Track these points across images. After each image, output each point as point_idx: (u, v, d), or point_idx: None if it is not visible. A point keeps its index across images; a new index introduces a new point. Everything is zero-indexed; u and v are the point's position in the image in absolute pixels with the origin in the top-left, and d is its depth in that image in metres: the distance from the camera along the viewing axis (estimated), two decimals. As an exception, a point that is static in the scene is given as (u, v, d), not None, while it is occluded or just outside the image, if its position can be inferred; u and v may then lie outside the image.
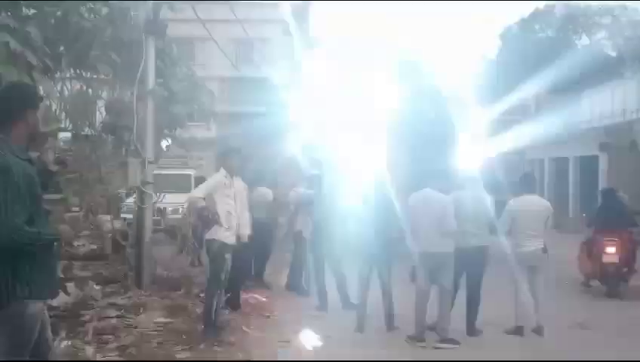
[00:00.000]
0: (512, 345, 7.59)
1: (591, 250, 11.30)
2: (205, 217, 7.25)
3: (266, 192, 10.99)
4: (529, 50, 40.86)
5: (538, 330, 7.91)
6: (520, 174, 10.27)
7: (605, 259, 10.78)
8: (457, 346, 7.37)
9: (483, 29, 67.12)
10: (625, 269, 11.10)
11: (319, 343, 7.52)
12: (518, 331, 7.90)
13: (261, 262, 11.03)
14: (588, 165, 24.14)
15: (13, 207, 3.37)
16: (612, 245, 10.83)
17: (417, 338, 7.49)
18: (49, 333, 3.96)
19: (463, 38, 60.71)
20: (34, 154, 3.92)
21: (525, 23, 43.71)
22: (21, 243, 3.44)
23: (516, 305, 8.05)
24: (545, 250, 8.20)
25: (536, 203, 8.40)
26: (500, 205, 8.42)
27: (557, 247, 10.40)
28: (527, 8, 45.55)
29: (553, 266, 8.56)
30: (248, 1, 20.90)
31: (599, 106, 22.17)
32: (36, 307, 3.58)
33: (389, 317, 8.04)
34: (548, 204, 8.65)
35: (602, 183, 22.36)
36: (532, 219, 8.14)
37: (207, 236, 7.30)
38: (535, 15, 43.72)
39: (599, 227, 11.46)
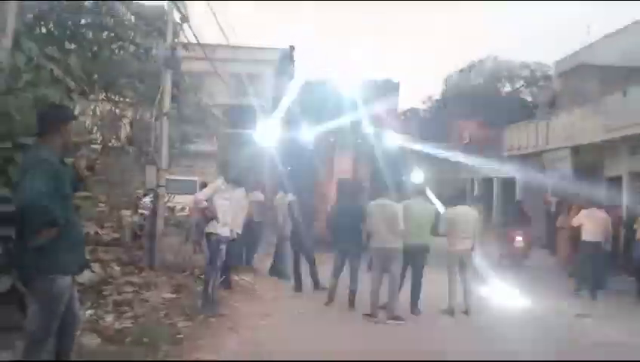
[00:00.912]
0: (445, 322, 7.67)
1: (505, 240, 14.11)
2: (206, 215, 7.23)
3: (258, 196, 10.96)
4: (465, 93, 41.42)
5: (466, 311, 8.00)
6: (455, 190, 10.36)
7: (515, 244, 13.86)
8: (403, 322, 7.39)
9: (430, 75, 67.83)
10: (526, 251, 14.13)
11: (295, 317, 7.52)
12: (450, 311, 7.97)
13: (252, 252, 10.98)
14: (508, 184, 24.51)
15: (45, 184, 3.36)
16: (519, 236, 13.89)
17: (371, 315, 7.51)
18: (77, 304, 3.89)
19: (416, 82, 61.39)
20: (69, 160, 3.87)
21: (463, 73, 44.36)
22: (59, 217, 3.39)
23: (449, 291, 8.10)
24: (472, 249, 8.29)
25: (466, 212, 8.45)
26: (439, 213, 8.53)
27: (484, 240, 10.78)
28: (464, 60, 46.07)
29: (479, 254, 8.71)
30: (246, 46, 20.89)
31: (517, 139, 22.54)
32: (64, 282, 3.53)
33: (351, 299, 8.03)
34: (476, 213, 8.69)
35: (518, 197, 22.70)
36: (463, 224, 8.19)
37: (207, 230, 7.26)
38: (470, 66, 44.39)
39: (511, 226, 14.37)
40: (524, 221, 14.45)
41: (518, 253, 13.78)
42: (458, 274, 8.19)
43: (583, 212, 10.59)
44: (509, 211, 15.71)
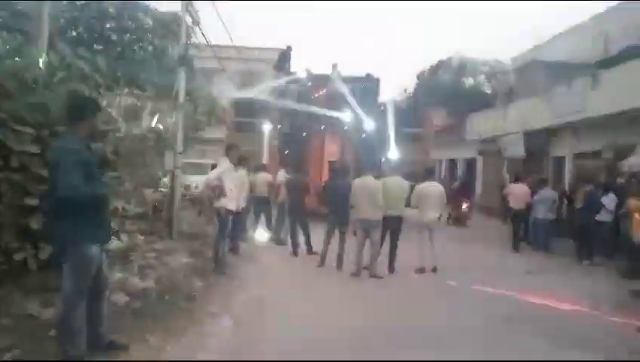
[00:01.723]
0: (417, 279, 7.77)
1: (455, 206, 15.52)
2: (216, 191, 7.19)
3: (267, 176, 10.88)
4: (435, 86, 41.26)
5: (434, 269, 8.09)
6: (425, 169, 10.37)
7: (463, 209, 15.73)
8: (381, 278, 7.48)
9: (406, 70, 67.34)
10: (468, 214, 15.96)
11: (292, 276, 7.56)
12: (421, 270, 8.07)
13: (269, 221, 10.89)
14: (470, 164, 24.57)
15: (76, 175, 3.32)
16: (465, 203, 15.93)
17: (356, 274, 7.57)
18: (106, 270, 3.87)
19: (393, 77, 60.98)
20: (97, 145, 3.82)
21: (433, 69, 44.12)
22: (80, 196, 3.37)
23: (419, 253, 8.19)
24: (439, 218, 8.44)
25: (434, 187, 8.47)
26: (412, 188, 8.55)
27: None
28: (434, 59, 45.83)
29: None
30: (248, 47, 20.61)
31: (478, 125, 22.52)
32: (93, 250, 3.51)
33: (339, 261, 8.09)
34: (442, 188, 8.67)
35: (479, 176, 22.78)
36: (431, 198, 8.23)
37: (217, 204, 7.22)
38: (440, 64, 44.13)
39: (460, 196, 16.02)
40: (467, 194, 17.01)
41: (462, 215, 15.72)
42: (428, 240, 8.25)
43: (510, 185, 12.08)
44: (459, 187, 17.45)
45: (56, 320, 3.54)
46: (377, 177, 8.00)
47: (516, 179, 12.16)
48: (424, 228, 8.26)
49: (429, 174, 8.89)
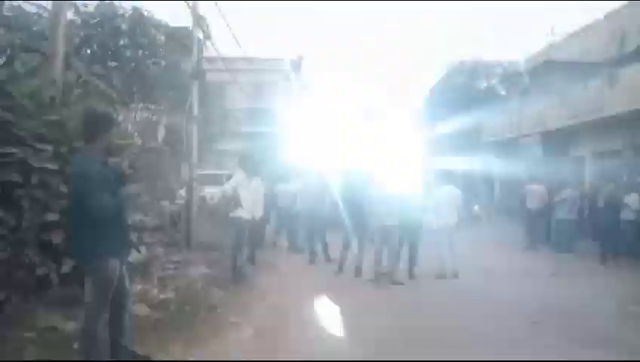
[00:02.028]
0: (438, 285, 7.66)
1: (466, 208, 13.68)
2: (232, 202, 7.21)
3: (285, 188, 10.90)
4: (450, 91, 41.09)
5: (455, 274, 7.96)
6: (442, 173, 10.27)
7: (474, 211, 16.17)
8: (403, 285, 7.41)
9: (423, 77, 67.30)
10: (480, 216, 16.63)
11: (311, 284, 7.55)
12: (441, 276, 7.96)
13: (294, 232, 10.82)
14: (486, 167, 24.35)
15: (98, 189, 3.38)
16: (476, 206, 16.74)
17: (375, 281, 7.52)
18: (127, 282, 3.90)
19: (410, 83, 60.87)
20: (114, 160, 3.87)
21: (448, 74, 43.97)
22: (102, 209, 3.43)
23: (439, 259, 8.08)
24: (457, 223, 8.27)
25: (451, 191, 8.39)
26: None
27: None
28: (448, 63, 45.86)
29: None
30: (260, 58, 20.80)
31: (494, 128, 22.35)
32: (113, 262, 3.53)
33: (358, 268, 8.05)
34: (459, 192, 8.58)
35: (496, 178, 22.51)
36: (448, 202, 8.14)
37: (232, 215, 7.23)
38: (454, 68, 44.01)
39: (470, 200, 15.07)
40: (478, 196, 18.47)
41: (474, 217, 16.09)
42: (446, 244, 8.12)
43: (526, 186, 12.13)
44: (470, 189, 17.49)
45: (80, 332, 3.58)
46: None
47: (532, 180, 12.32)
48: (442, 232, 8.17)
49: (445, 178, 8.80)
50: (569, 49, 18.05)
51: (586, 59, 16.37)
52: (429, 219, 8.31)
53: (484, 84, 44.32)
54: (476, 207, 16.44)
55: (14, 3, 6.91)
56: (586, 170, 15.26)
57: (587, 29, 17.77)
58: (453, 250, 8.16)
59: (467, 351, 4.64)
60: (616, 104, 12.54)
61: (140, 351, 3.98)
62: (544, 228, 11.72)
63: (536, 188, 11.67)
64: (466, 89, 40.88)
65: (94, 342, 3.47)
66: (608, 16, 16.65)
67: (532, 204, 11.50)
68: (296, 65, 24.84)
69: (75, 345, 3.81)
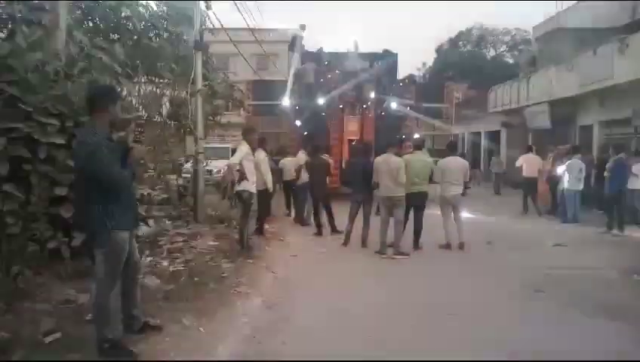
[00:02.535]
0: (443, 255, 7.73)
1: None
2: (238, 175, 7.22)
3: (293, 159, 10.92)
4: (455, 59, 40.40)
5: (461, 245, 7.97)
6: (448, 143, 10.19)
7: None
8: (408, 256, 7.46)
9: (423, 45, 65.90)
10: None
11: (317, 256, 7.64)
12: (447, 246, 8.01)
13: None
14: (493, 137, 24.15)
15: (107, 160, 3.41)
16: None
17: (381, 252, 7.59)
18: (137, 254, 3.97)
19: (411, 51, 59.74)
20: (120, 134, 3.86)
21: (452, 41, 43.16)
22: (118, 179, 3.48)
23: (444, 229, 8.12)
24: (463, 193, 8.26)
25: (457, 162, 8.25)
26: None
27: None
28: (454, 30, 44.87)
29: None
30: (262, 28, 20.47)
31: (501, 97, 22.06)
32: (122, 235, 3.58)
33: (364, 239, 8.13)
34: (465, 162, 8.49)
35: (502, 148, 22.36)
36: (454, 172, 8.05)
37: (238, 188, 7.23)
38: (459, 35, 43.13)
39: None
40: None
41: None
42: (451, 215, 8.16)
43: (522, 156, 12.80)
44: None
45: (92, 304, 3.67)
46: (398, 155, 7.93)
47: (529, 149, 13.04)
48: (447, 203, 8.17)
49: (451, 149, 8.64)
50: (580, 16, 17.62)
51: (597, 26, 16.00)
52: (436, 189, 8.32)
53: (491, 53, 43.44)
54: (477, 172, 16.82)
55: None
56: (594, 138, 15.12)
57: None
58: (459, 220, 8.18)
59: (469, 322, 4.71)
60: (627, 71, 12.30)
61: (152, 321, 4.08)
62: (552, 199, 12.10)
63: (531, 158, 12.50)
64: (473, 57, 40.15)
65: (107, 314, 3.56)
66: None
67: (527, 172, 12.31)
68: (298, 36, 24.44)
69: (88, 317, 3.91)
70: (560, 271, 6.61)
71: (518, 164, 12.72)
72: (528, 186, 12.45)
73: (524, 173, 12.38)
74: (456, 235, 8.05)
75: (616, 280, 6.26)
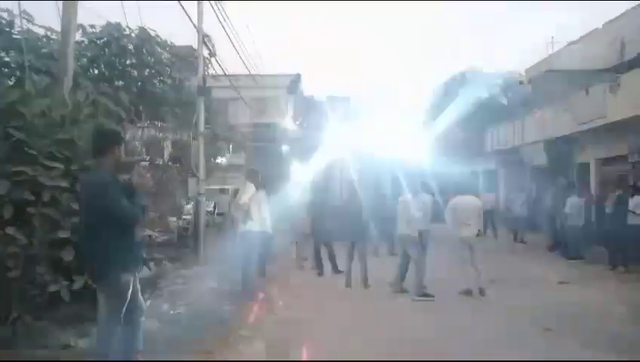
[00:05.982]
0: (465, 302, 7.18)
1: None
2: (245, 214, 7.13)
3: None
4: (451, 102, 41.12)
5: (481, 292, 7.35)
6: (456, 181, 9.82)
7: None
8: (433, 299, 7.01)
9: (421, 89, 67.11)
10: None
11: (320, 297, 7.50)
12: (467, 292, 7.36)
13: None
14: (490, 176, 24.32)
15: (121, 199, 3.43)
16: None
17: (395, 291, 7.44)
18: (140, 297, 3.90)
19: (410, 96, 60.63)
20: (124, 177, 3.88)
21: (447, 85, 44.06)
22: (130, 213, 3.49)
23: (464, 274, 7.50)
24: (478, 234, 7.64)
25: (470, 200, 7.74)
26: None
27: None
28: (448, 75, 46.14)
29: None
30: (262, 74, 21.03)
31: (497, 138, 22.36)
32: (126, 277, 3.54)
33: (364, 279, 8.00)
34: (478, 201, 7.93)
35: (500, 187, 22.43)
36: (468, 212, 7.55)
37: (242, 229, 7.15)
38: (454, 79, 44.12)
39: None
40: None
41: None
42: (469, 258, 7.50)
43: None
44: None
45: (93, 348, 3.57)
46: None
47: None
48: (463, 245, 7.56)
49: (462, 187, 8.07)
50: (570, 58, 18.09)
51: (587, 67, 16.40)
52: (451, 230, 7.77)
53: (485, 95, 44.32)
54: None
55: (24, 27, 7.02)
56: (592, 175, 15.20)
57: (587, 37, 17.86)
58: (478, 264, 7.46)
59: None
60: (620, 110, 12.51)
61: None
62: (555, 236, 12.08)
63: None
64: (467, 100, 40.90)
65: (108, 356, 3.46)
66: (608, 24, 16.74)
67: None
68: (296, 82, 25.05)
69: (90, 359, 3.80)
70: (568, 308, 6.48)
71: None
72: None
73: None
74: (476, 281, 7.37)
75: (623, 316, 6.13)
